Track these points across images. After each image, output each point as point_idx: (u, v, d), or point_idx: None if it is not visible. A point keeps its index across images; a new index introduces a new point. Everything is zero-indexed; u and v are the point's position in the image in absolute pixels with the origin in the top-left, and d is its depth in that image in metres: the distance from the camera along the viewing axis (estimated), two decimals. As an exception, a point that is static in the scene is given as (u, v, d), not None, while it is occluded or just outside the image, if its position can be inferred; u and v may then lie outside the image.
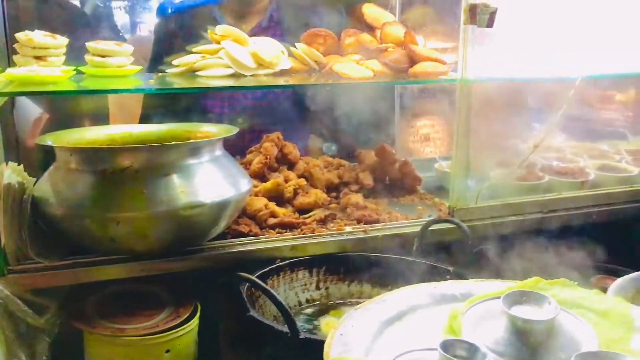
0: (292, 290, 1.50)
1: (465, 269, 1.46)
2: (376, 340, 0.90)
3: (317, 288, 1.53)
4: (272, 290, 1.12)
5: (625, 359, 0.77)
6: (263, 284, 1.15)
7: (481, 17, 1.54)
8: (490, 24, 1.55)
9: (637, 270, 1.48)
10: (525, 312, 0.90)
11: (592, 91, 3.00)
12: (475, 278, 1.40)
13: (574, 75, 1.72)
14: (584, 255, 1.80)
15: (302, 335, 1.07)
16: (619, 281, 1.26)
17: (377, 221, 1.64)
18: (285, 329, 1.10)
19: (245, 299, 1.22)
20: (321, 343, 0.89)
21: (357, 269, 1.55)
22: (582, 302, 0.99)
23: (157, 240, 1.35)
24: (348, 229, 1.60)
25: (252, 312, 1.16)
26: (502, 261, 1.57)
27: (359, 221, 1.63)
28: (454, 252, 1.56)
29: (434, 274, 1.47)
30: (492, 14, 1.55)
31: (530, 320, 0.88)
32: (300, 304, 1.50)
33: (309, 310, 1.49)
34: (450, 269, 1.46)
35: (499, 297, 0.97)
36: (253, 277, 1.17)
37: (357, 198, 1.72)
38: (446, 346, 0.79)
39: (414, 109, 2.30)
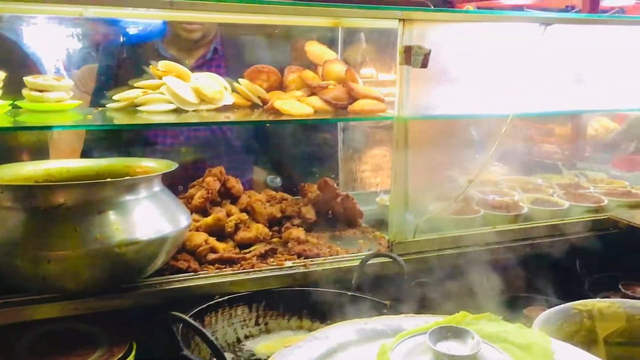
0: (231, 327, 1.49)
1: (402, 303, 1.49)
2: (305, 379, 0.91)
3: (257, 324, 1.53)
4: (203, 329, 1.11)
5: None
6: (194, 323, 1.14)
7: (416, 58, 1.60)
8: (424, 64, 1.62)
9: (569, 301, 1.54)
10: (449, 347, 0.93)
11: (532, 126, 3.14)
12: (411, 312, 1.43)
13: (506, 112, 1.80)
14: (518, 286, 1.86)
15: (234, 375, 1.07)
16: (545, 314, 1.30)
17: (317, 255, 1.66)
18: (219, 367, 1.10)
19: (180, 338, 1.21)
20: (253, 382, 0.90)
21: (297, 304, 1.56)
22: (506, 336, 1.03)
23: (91, 278, 1.33)
24: (288, 263, 1.61)
25: (186, 352, 1.15)
26: (438, 294, 1.61)
27: (299, 256, 1.65)
28: (391, 285, 1.59)
29: (371, 308, 1.49)
30: (426, 55, 1.61)
31: (455, 356, 0.90)
32: (239, 340, 1.50)
33: (249, 346, 1.48)
34: (387, 302, 1.49)
35: (426, 333, 1.01)
36: (185, 317, 1.17)
37: (299, 232, 1.74)
38: (370, 384, 0.80)
39: (358, 143, 2.35)
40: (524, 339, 1.02)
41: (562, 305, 1.35)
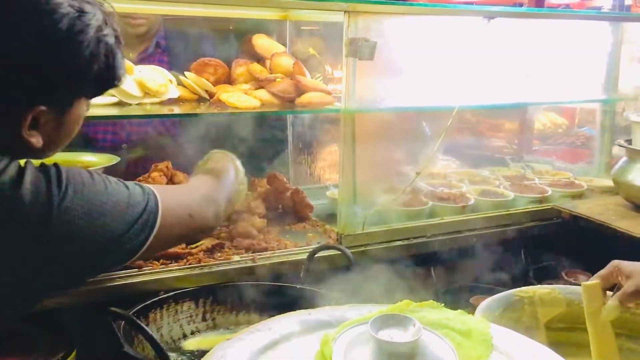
0: (177, 323, 1.47)
1: (349, 294, 1.49)
2: (246, 371, 0.90)
3: (204, 319, 1.51)
4: (143, 325, 1.09)
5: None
6: (133, 318, 1.11)
7: (361, 50, 1.61)
8: (370, 57, 1.62)
9: (510, 289, 1.57)
10: (391, 335, 0.93)
11: (482, 120, 3.20)
12: (357, 303, 1.43)
13: (452, 105, 1.83)
14: (464, 276, 1.89)
15: (175, 370, 1.04)
16: (487, 301, 1.33)
17: (265, 249, 1.64)
18: (160, 363, 1.08)
19: (121, 335, 1.18)
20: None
21: (245, 298, 1.54)
22: (447, 323, 1.04)
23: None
24: (236, 258, 1.59)
25: (127, 348, 1.12)
26: (386, 285, 1.62)
27: (247, 250, 1.63)
28: (340, 278, 1.58)
29: (319, 300, 1.49)
30: (372, 48, 1.62)
31: (395, 343, 0.91)
32: (185, 335, 1.47)
33: (194, 342, 1.46)
34: (335, 294, 1.48)
35: (370, 319, 1.01)
36: (125, 313, 1.14)
37: (247, 227, 1.72)
38: (310, 373, 0.80)
39: (307, 137, 2.34)
40: (465, 324, 1.03)
41: (504, 293, 1.38)
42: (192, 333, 1.49)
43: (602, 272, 1.28)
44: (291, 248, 1.68)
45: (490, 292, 1.77)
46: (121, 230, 1.07)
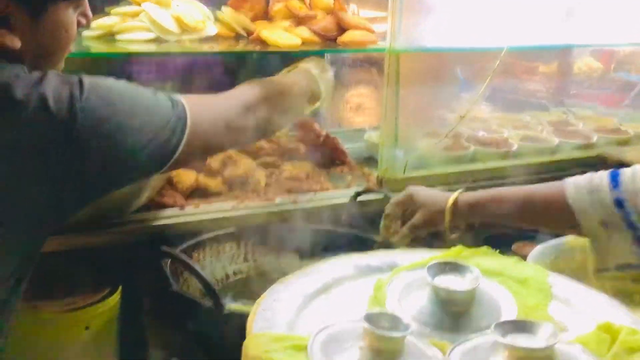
0: (219, 263, 1.47)
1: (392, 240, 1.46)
2: (300, 314, 0.89)
3: (245, 260, 1.51)
4: (193, 264, 1.08)
5: (540, 325, 0.78)
6: (185, 258, 1.11)
7: (410, -15, 1.53)
8: (418, -7, 1.55)
9: (555, 237, 1.54)
10: (448, 282, 0.91)
11: (517, 63, 3.09)
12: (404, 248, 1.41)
13: (500, 45, 1.74)
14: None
15: (226, 310, 1.04)
16: (539, 248, 1.30)
17: (307, 191, 1.62)
18: (210, 303, 1.07)
19: (169, 274, 1.18)
20: (245, 317, 0.87)
21: (286, 241, 1.53)
22: (503, 271, 1.01)
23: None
24: (278, 199, 1.57)
25: (176, 287, 1.12)
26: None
27: (289, 191, 1.61)
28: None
29: (361, 245, 1.47)
30: (421, -17, 1.54)
31: (453, 291, 0.88)
32: (227, 276, 1.48)
33: (236, 283, 1.46)
34: (378, 239, 1.47)
35: (423, 267, 0.99)
36: (174, 252, 1.13)
37: (288, 168, 1.69)
38: (370, 318, 0.78)
39: (345, 78, 2.28)
40: (521, 272, 1.01)
41: (556, 240, 1.34)
42: (234, 274, 1.49)
43: (399, 198, 1.32)
44: (332, 191, 1.65)
45: (533, 240, 1.74)
46: (151, 134, 1.02)
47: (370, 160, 1.99)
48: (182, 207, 1.48)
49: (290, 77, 1.43)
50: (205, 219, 1.47)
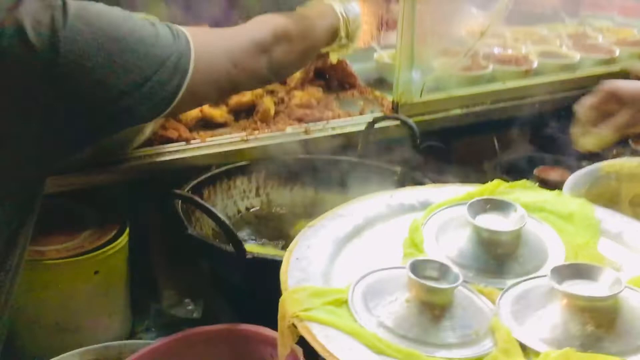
0: (231, 199, 1.39)
1: (413, 169, 1.39)
2: (335, 261, 0.82)
3: (257, 195, 1.43)
4: (211, 208, 1.00)
5: (601, 270, 0.72)
6: (203, 203, 1.02)
7: None
8: None
9: (582, 160, 1.46)
10: (490, 221, 0.84)
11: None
12: (423, 178, 1.34)
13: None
14: (526, 146, 1.78)
15: (249, 256, 0.97)
16: (573, 177, 1.22)
17: (319, 120, 1.52)
18: (230, 247, 1.00)
19: (182, 216, 1.10)
20: (268, 262, 0.81)
21: (299, 173, 1.45)
22: (545, 206, 0.93)
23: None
24: (289, 129, 1.48)
25: (191, 231, 1.04)
26: (451, 158, 1.51)
27: (300, 120, 1.51)
28: (400, 150, 1.47)
29: (380, 175, 1.40)
30: None
31: (497, 231, 0.81)
32: (239, 211, 1.40)
33: (249, 218, 1.39)
34: (398, 169, 1.39)
35: (459, 204, 0.91)
36: (191, 196, 1.05)
37: (297, 94, 1.58)
38: (415, 267, 0.71)
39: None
40: (565, 207, 0.93)
41: (590, 167, 1.26)
42: (247, 209, 1.41)
43: (594, 100, 1.13)
44: (345, 118, 1.55)
45: (556, 164, 1.67)
46: (148, 71, 0.89)
47: (381, 82, 1.87)
48: (187, 140, 1.39)
49: (311, 12, 1.27)
50: (213, 153, 1.38)
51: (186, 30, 0.95)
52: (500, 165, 1.64)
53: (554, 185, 1.52)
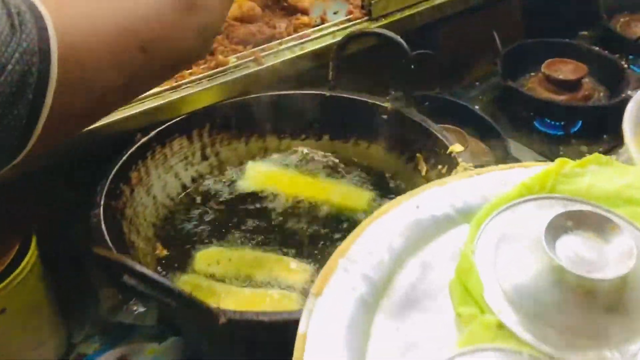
0: (170, 172, 1.04)
1: (403, 100, 1.05)
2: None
3: (204, 157, 1.08)
4: (131, 264, 0.63)
5: None
6: (120, 259, 0.64)
7: None
8: None
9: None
10: (579, 251, 0.55)
11: None
12: (416, 112, 1.01)
13: None
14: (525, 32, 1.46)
15: (222, 320, 0.65)
16: (629, 113, 0.91)
17: (272, 38, 1.13)
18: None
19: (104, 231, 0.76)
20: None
21: (255, 118, 1.10)
22: (633, 194, 0.65)
23: None
24: (232, 61, 1.09)
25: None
26: (448, 71, 1.19)
27: (246, 44, 1.12)
28: (380, 70, 1.11)
29: (362, 112, 1.07)
30: None
31: (594, 279, 0.53)
32: (184, 187, 1.06)
33: (197, 198, 1.06)
34: (387, 105, 1.05)
35: (515, 205, 0.63)
36: (111, 256, 0.69)
37: (244, 4, 1.16)
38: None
39: None
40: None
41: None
42: (194, 180, 1.07)
43: None
44: (305, 31, 1.16)
45: (563, 52, 1.37)
46: None
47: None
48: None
49: None
50: (135, 114, 0.99)
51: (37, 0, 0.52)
52: (501, 57, 1.33)
53: (571, 86, 1.24)
